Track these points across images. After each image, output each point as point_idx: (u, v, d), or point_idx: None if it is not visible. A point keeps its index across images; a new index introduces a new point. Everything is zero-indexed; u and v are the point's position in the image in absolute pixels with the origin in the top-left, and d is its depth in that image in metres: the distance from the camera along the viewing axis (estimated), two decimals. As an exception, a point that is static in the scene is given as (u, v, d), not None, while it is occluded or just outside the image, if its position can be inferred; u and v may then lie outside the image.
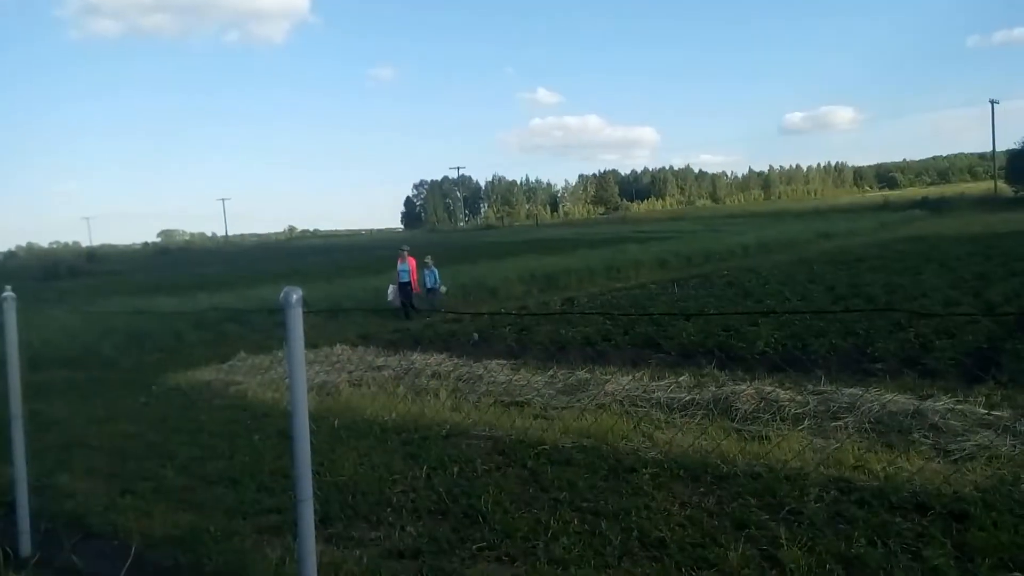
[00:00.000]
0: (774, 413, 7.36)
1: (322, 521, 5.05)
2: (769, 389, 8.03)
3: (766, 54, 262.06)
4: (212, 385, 10.88)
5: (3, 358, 5.27)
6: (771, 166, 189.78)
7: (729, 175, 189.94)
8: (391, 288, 18.47)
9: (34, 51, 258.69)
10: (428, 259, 19.25)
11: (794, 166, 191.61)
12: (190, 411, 9.30)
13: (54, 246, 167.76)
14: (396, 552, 4.79)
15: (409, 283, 18.28)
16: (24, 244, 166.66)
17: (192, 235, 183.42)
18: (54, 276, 45.60)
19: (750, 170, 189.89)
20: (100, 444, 7.94)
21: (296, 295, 3.37)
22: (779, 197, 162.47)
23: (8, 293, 5.42)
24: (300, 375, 3.34)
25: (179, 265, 52.76)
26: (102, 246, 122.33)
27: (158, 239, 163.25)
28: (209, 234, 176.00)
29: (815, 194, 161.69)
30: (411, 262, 18.50)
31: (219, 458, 7.08)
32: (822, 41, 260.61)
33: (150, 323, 15.73)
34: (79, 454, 7.58)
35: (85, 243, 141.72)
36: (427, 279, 18.94)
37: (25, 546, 5.15)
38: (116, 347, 14.53)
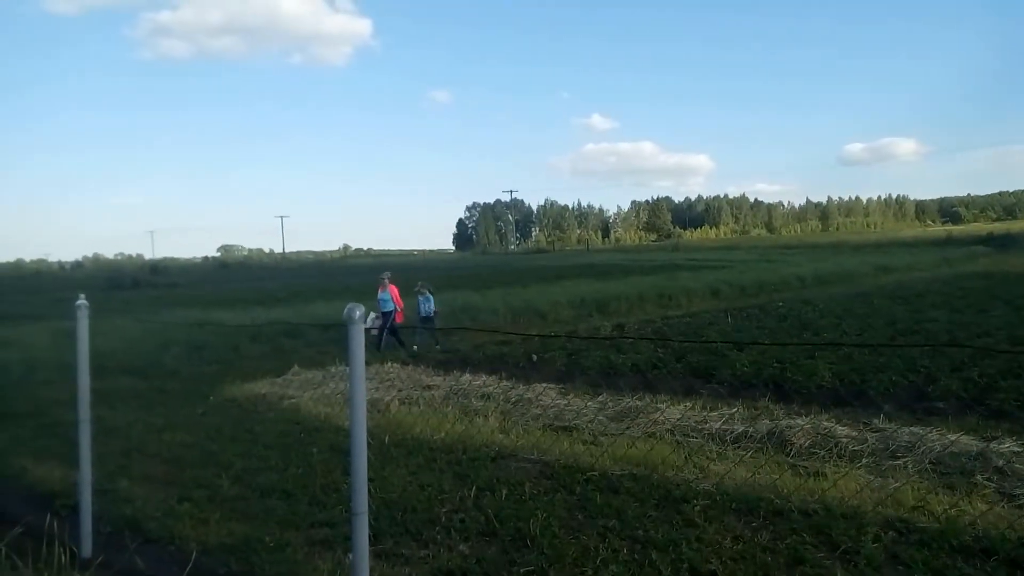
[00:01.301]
0: (831, 449, 7.19)
1: (372, 537, 5.10)
2: (826, 424, 7.86)
3: (826, 83, 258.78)
4: (266, 398, 11.10)
5: (74, 364, 5.49)
6: (829, 197, 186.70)
7: (786, 205, 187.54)
8: (371, 316, 16.17)
9: (106, 70, 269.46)
10: (421, 285, 17.24)
11: (853, 198, 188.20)
12: (245, 423, 9.50)
13: (119, 257, 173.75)
14: (445, 571, 4.81)
15: (392, 313, 16.34)
16: (91, 255, 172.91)
17: (251, 251, 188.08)
18: (118, 287, 47.13)
19: (808, 201, 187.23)
20: (159, 451, 8.17)
21: (359, 311, 3.46)
22: (837, 229, 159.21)
23: (82, 301, 5.66)
24: (360, 389, 3.42)
25: (237, 280, 54.06)
26: (164, 259, 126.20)
27: (218, 254, 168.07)
28: (267, 250, 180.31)
29: (875, 227, 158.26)
30: (393, 290, 16.59)
31: (272, 470, 7.22)
32: (884, 71, 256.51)
33: (209, 335, 16.16)
34: (139, 460, 7.81)
35: (148, 256, 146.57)
36: (421, 307, 16.95)
37: (87, 548, 5.32)
38: (176, 358, 14.95)
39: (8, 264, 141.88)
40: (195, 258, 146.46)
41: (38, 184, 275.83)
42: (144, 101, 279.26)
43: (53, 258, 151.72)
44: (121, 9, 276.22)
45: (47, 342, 15.74)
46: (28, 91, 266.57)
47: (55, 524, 4.70)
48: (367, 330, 16.53)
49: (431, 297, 17.06)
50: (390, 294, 16.43)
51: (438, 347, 16.03)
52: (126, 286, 48.04)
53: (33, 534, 4.77)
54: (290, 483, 6.74)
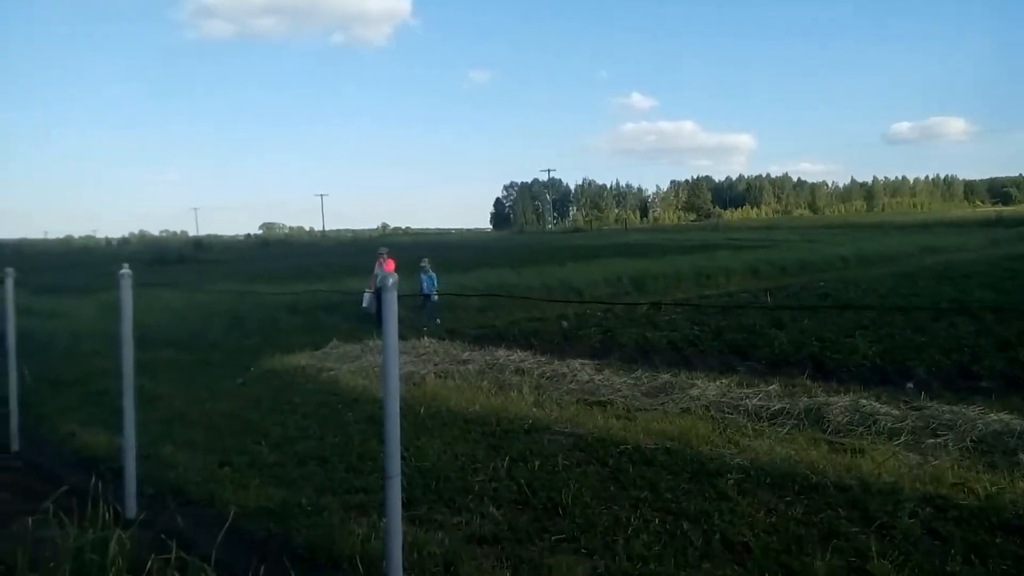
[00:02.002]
0: (869, 426, 7.09)
1: (406, 503, 5.18)
2: (865, 402, 7.75)
3: (873, 61, 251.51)
4: (305, 370, 11.28)
5: (119, 334, 5.64)
6: (875, 177, 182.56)
7: (830, 185, 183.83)
8: (366, 295, 16.28)
9: (151, 51, 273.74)
10: (425, 262, 16.79)
11: (900, 178, 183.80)
12: (284, 393, 9.68)
13: (164, 234, 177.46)
14: (477, 537, 4.88)
15: None
16: (136, 231, 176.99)
17: (291, 229, 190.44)
18: (163, 262, 48.12)
19: (852, 180, 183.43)
20: (200, 420, 8.37)
21: (392, 279, 3.50)
22: (882, 209, 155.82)
23: (125, 271, 5.80)
24: (393, 355, 3.46)
25: (279, 257, 54.84)
26: (208, 236, 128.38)
27: (260, 231, 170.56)
28: (307, 228, 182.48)
29: (921, 207, 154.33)
30: (390, 265, 15.99)
31: (310, 438, 7.36)
32: (933, 49, 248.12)
33: (250, 309, 16.45)
34: (181, 428, 8.01)
35: (192, 232, 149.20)
36: (424, 284, 16.47)
37: (131, 509, 5.49)
38: (218, 331, 15.24)
39: (58, 240, 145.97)
40: (238, 235, 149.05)
41: (86, 163, 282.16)
42: (188, 81, 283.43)
43: (100, 234, 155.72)
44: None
45: (94, 314, 16.18)
46: (76, 71, 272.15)
47: (100, 486, 4.84)
48: (365, 309, 15.43)
49: (433, 276, 16.76)
50: (386, 270, 15.27)
51: (438, 322, 16.00)
52: (171, 261, 49.02)
53: (79, 495, 4.93)
54: (327, 451, 6.87)
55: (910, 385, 9.07)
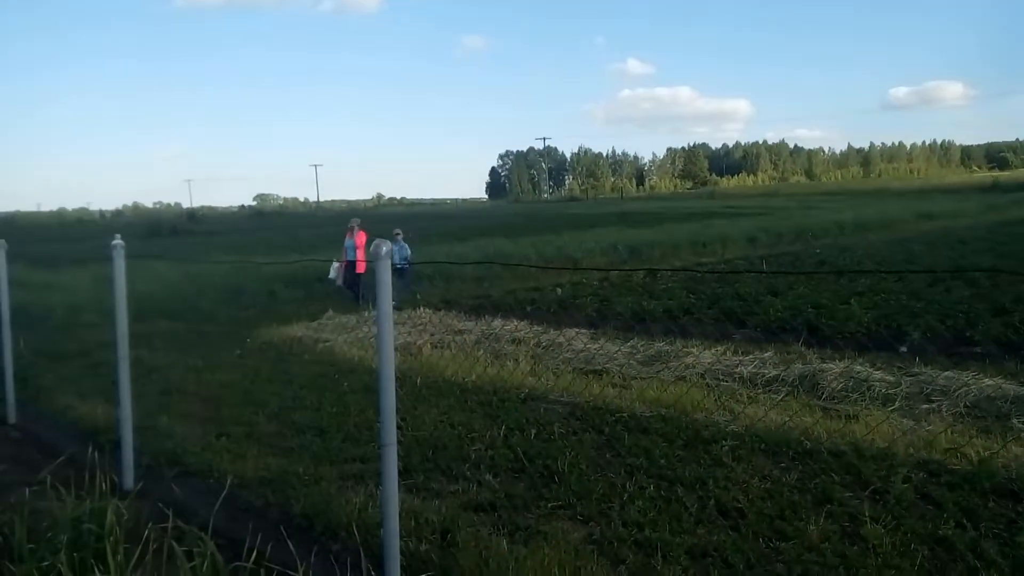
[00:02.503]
0: (863, 393, 7.14)
1: (403, 472, 5.21)
2: (859, 368, 7.78)
3: (870, 24, 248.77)
4: (302, 341, 11.29)
5: (112, 305, 5.62)
6: (872, 143, 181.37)
7: (826, 151, 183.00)
8: (334, 266, 15.61)
9: (139, 18, 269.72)
10: (398, 232, 15.65)
11: (896, 143, 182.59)
12: (281, 364, 9.70)
13: (157, 206, 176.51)
14: (473, 505, 4.91)
15: (355, 262, 15.06)
16: (130, 204, 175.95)
17: (286, 200, 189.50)
18: (157, 234, 47.97)
19: (849, 146, 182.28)
20: (197, 391, 8.38)
21: (385, 247, 3.47)
22: (879, 175, 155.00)
23: (118, 241, 5.76)
24: (387, 324, 3.45)
25: (273, 228, 54.64)
26: (202, 208, 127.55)
27: (254, 203, 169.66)
28: (302, 199, 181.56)
29: (918, 173, 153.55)
30: (361, 237, 15.44)
31: (307, 408, 7.38)
32: (930, 11, 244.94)
33: (245, 280, 16.42)
34: (178, 399, 8.02)
35: (186, 204, 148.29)
36: (396, 255, 14.44)
37: (128, 480, 5.51)
38: (213, 302, 15.24)
39: (51, 213, 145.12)
40: (231, 207, 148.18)
41: (77, 135, 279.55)
42: (178, 51, 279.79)
43: (94, 207, 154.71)
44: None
45: (89, 286, 16.15)
46: (67, 42, 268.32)
47: (97, 457, 4.85)
48: (332, 280, 15.13)
49: (406, 245, 16.07)
50: (357, 242, 15.37)
51: (416, 296, 15.37)
52: (165, 234, 48.87)
53: (76, 466, 4.94)
54: (325, 421, 6.89)
55: (903, 349, 9.11)
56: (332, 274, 15.73)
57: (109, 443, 6.04)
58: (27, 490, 4.60)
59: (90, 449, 5.18)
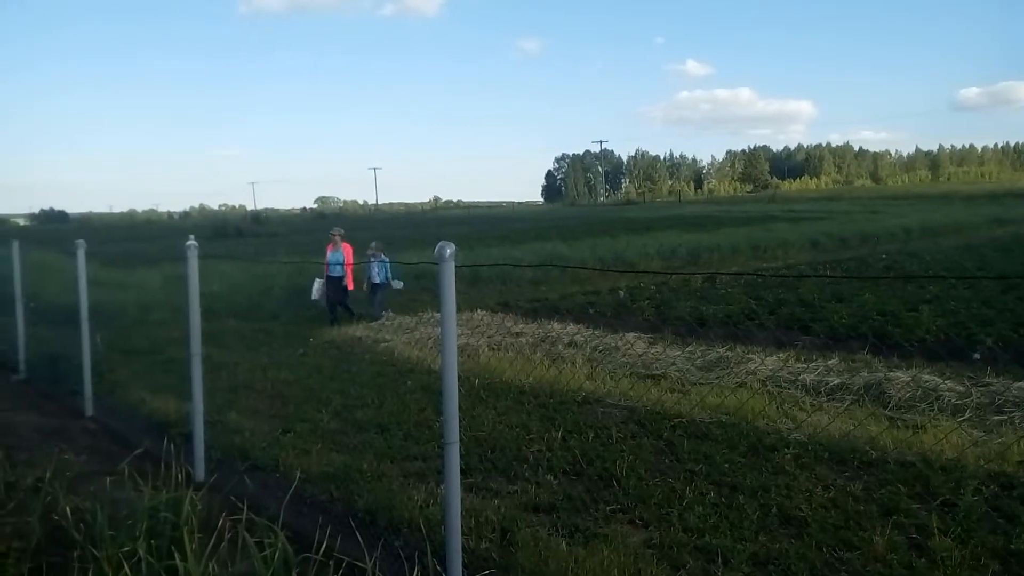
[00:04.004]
0: (931, 403, 6.94)
1: (463, 471, 5.26)
2: (927, 378, 7.57)
3: (941, 23, 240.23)
4: (362, 341, 11.51)
5: (185, 303, 5.85)
6: (941, 145, 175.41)
7: (893, 154, 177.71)
8: (316, 283, 14.03)
9: (207, 27, 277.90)
10: (374, 245, 14.41)
11: (967, 146, 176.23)
12: (343, 363, 9.91)
13: (223, 208, 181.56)
14: (532, 505, 4.96)
15: (342, 278, 13.66)
16: (197, 206, 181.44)
17: (345, 202, 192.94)
18: (223, 235, 49.34)
19: (917, 149, 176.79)
20: (263, 388, 8.63)
21: (450, 249, 3.55)
22: (948, 179, 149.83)
23: (192, 242, 5.99)
24: (451, 324, 3.52)
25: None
26: (265, 210, 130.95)
27: (315, 205, 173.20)
28: (361, 202, 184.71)
29: (990, 177, 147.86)
30: (346, 250, 14.02)
31: (368, 407, 7.54)
32: (1003, 9, 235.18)
33: (308, 280, 16.77)
34: (245, 395, 8.28)
35: (250, 206, 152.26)
36: (374, 272, 14.03)
37: (200, 472, 5.71)
38: (277, 301, 15.63)
39: (122, 214, 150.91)
40: (294, 209, 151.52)
41: (147, 139, 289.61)
42: (242, 57, 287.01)
43: (162, 208, 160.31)
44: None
45: (160, 285, 16.74)
46: (131, 48, 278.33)
47: (171, 449, 5.04)
48: (315, 302, 14.02)
49: (386, 261, 14.29)
50: (343, 255, 13.86)
51: (387, 313, 13.71)
52: (230, 235, 50.21)
53: (151, 458, 5.15)
54: (385, 419, 7.03)
55: (976, 356, 8.83)
56: (315, 294, 14.01)
57: (180, 436, 6.27)
58: (108, 480, 4.81)
59: (164, 442, 5.39)
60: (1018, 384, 7.24)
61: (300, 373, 9.35)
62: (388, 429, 6.71)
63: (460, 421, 6.32)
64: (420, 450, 6.11)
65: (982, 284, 13.05)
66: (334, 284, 13.69)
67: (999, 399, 6.87)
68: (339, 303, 13.80)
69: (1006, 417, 6.48)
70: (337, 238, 14.04)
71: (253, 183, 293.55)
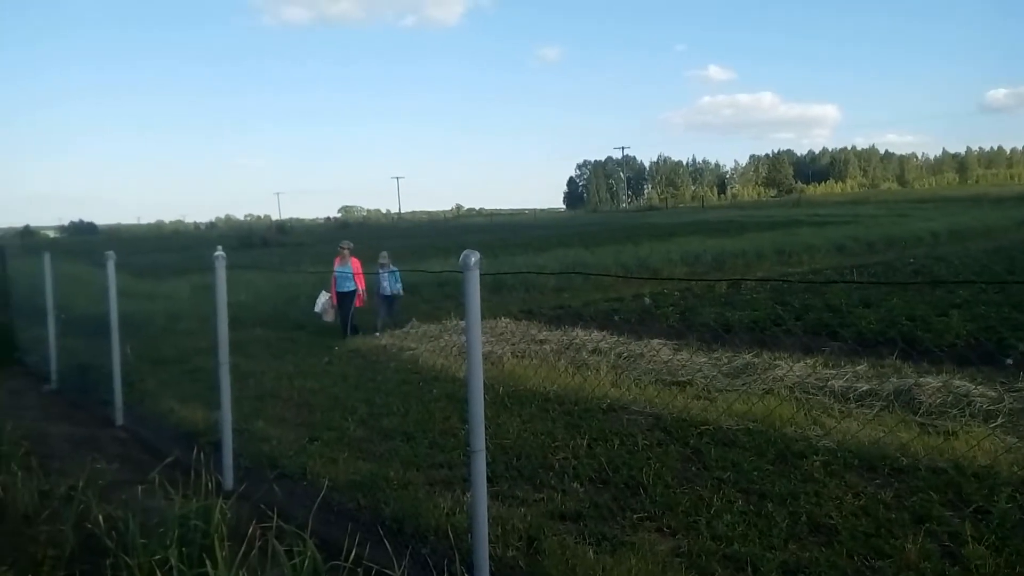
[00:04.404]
0: (963, 408, 6.84)
1: (489, 479, 5.25)
2: (958, 383, 7.45)
3: (967, 23, 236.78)
4: (387, 349, 11.57)
5: (212, 312, 5.92)
6: (968, 148, 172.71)
7: (919, 157, 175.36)
8: (322, 297, 13.60)
9: (232, 38, 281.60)
10: (385, 256, 13.95)
11: (995, 148, 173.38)
12: (368, 372, 9.96)
13: (248, 218, 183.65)
14: (558, 513, 4.95)
15: (353, 293, 13.20)
16: (223, 216, 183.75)
17: (369, 211, 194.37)
18: (249, 245, 49.88)
19: (944, 151, 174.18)
20: (290, 396, 8.70)
21: (474, 258, 3.57)
22: (977, 182, 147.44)
23: (220, 253, 6.08)
24: (476, 332, 3.54)
25: (357, 239, 56.10)
26: (290, 219, 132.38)
27: (339, 214, 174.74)
28: (384, 211, 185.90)
29: (1019, 179, 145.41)
30: (355, 264, 13.42)
31: (394, 415, 7.57)
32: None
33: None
34: (272, 404, 8.35)
35: (275, 216, 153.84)
36: (385, 284, 13.61)
37: (228, 480, 5.77)
38: (303, 311, 15.74)
39: (150, 224, 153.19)
40: (318, 219, 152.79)
41: (174, 150, 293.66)
42: (267, 68, 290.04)
43: (189, 219, 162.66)
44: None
45: (187, 295, 16.95)
46: (157, 60, 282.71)
47: (200, 458, 5.10)
48: (318, 315, 13.43)
49: (396, 271, 13.86)
50: (351, 268, 13.28)
51: (380, 331, 13.12)
52: (256, 245, 50.75)
53: (181, 467, 5.21)
54: (411, 427, 7.06)
55: (1009, 361, 8.69)
56: (318, 308, 13.52)
57: (209, 445, 6.34)
58: (138, 488, 4.88)
59: (193, 450, 5.46)
60: (1052, 389, 7.11)
61: (326, 382, 9.42)
62: (414, 437, 6.73)
63: (486, 429, 6.35)
64: (446, 458, 6.12)
65: (1012, 288, 12.83)
66: (343, 300, 13.30)
67: (1033, 405, 6.75)
68: (346, 317, 13.21)
69: (1041, 423, 6.36)
70: (346, 251, 13.51)
71: (278, 193, 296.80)
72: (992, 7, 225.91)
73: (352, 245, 13.87)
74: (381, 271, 13.60)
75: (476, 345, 3.56)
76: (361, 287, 13.29)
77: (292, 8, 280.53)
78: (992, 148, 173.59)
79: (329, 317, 13.39)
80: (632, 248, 26.42)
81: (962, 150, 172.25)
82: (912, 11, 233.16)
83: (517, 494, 5.32)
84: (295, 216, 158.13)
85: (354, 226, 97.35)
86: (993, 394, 7.11)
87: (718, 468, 5.64)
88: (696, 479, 5.46)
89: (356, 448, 6.53)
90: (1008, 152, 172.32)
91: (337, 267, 13.34)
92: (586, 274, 16.14)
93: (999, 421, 6.47)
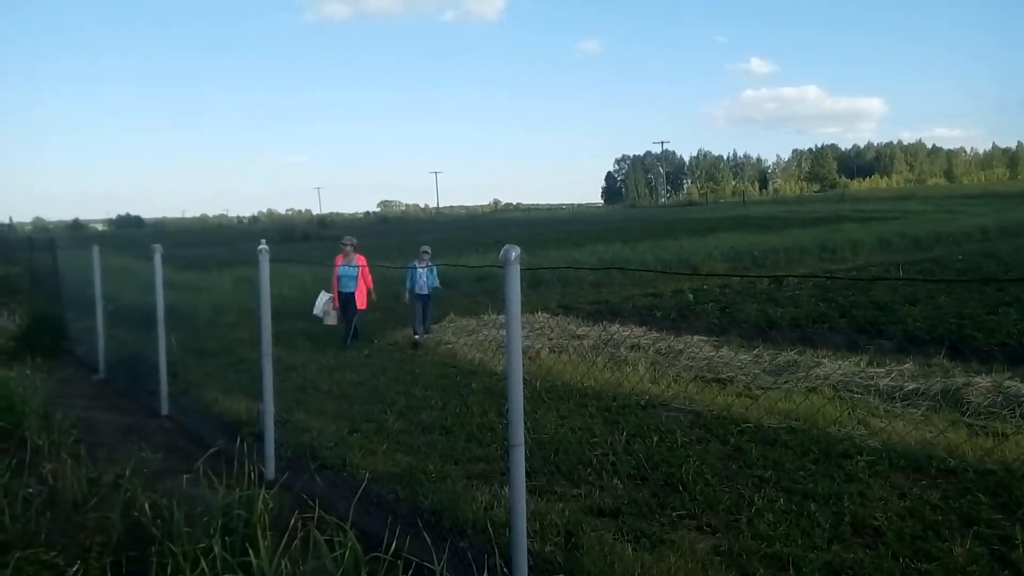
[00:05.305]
0: (1013, 409, 6.64)
1: (527, 474, 5.26)
2: (1008, 383, 7.24)
3: (1016, 14, 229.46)
4: (425, 343, 11.63)
5: (256, 305, 6.01)
6: (1019, 142, 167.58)
7: (968, 151, 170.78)
8: (322, 298, 12.38)
9: (275, 34, 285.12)
10: (426, 250, 12.52)
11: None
12: (406, 365, 10.04)
13: (290, 213, 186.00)
14: (596, 510, 4.93)
15: (354, 294, 11.96)
16: (265, 210, 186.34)
17: (408, 206, 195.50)
18: (290, 239, 50.60)
19: (994, 146, 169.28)
20: (330, 389, 8.81)
21: (515, 253, 3.56)
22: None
23: (263, 247, 6.16)
24: (516, 327, 3.54)
25: (396, 233, 56.50)
26: (330, 214, 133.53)
27: (378, 209, 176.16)
28: (422, 205, 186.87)
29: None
30: (360, 260, 12.13)
31: (432, 408, 7.62)
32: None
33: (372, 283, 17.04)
34: (313, 396, 8.47)
35: (316, 211, 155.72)
36: (422, 281, 12.14)
37: (270, 470, 5.87)
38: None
39: (194, 219, 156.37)
40: (357, 213, 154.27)
41: (218, 144, 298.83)
42: (308, 64, 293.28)
43: (232, 213, 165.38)
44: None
45: (231, 288, 17.24)
46: (206, 59, 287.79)
47: (243, 448, 5.19)
48: (319, 318, 12.11)
49: (434, 268, 12.61)
50: (356, 267, 11.90)
51: (422, 336, 11.89)
52: (297, 239, 51.43)
53: (224, 456, 5.31)
54: (449, 420, 7.09)
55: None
56: (317, 309, 12.38)
57: (251, 435, 6.44)
58: (184, 477, 4.98)
59: (236, 440, 5.55)
60: (1110, 391, 6.87)
61: (365, 375, 9.51)
62: (452, 431, 6.77)
63: (524, 424, 6.35)
64: (483, 452, 6.14)
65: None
66: (346, 300, 12.05)
67: (1089, 407, 6.53)
68: (349, 322, 12.09)
69: (1097, 426, 6.16)
70: (349, 248, 12.33)
71: (319, 188, 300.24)
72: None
73: (355, 241, 12.73)
74: (419, 266, 12.32)
75: (516, 340, 3.56)
76: (368, 285, 12.22)
77: (333, 4, 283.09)
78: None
79: (331, 320, 12.24)
80: (671, 243, 26.18)
81: (1013, 144, 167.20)
82: (960, 3, 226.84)
83: (555, 489, 5.31)
84: (335, 211, 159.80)
85: (393, 220, 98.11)
86: (1047, 395, 6.89)
87: (760, 467, 5.56)
88: (737, 477, 5.40)
89: (395, 440, 6.58)
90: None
91: (340, 265, 12.04)
92: (623, 268, 15.98)
93: (1053, 423, 6.27)
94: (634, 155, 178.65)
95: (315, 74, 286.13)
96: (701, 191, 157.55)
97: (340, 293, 12.15)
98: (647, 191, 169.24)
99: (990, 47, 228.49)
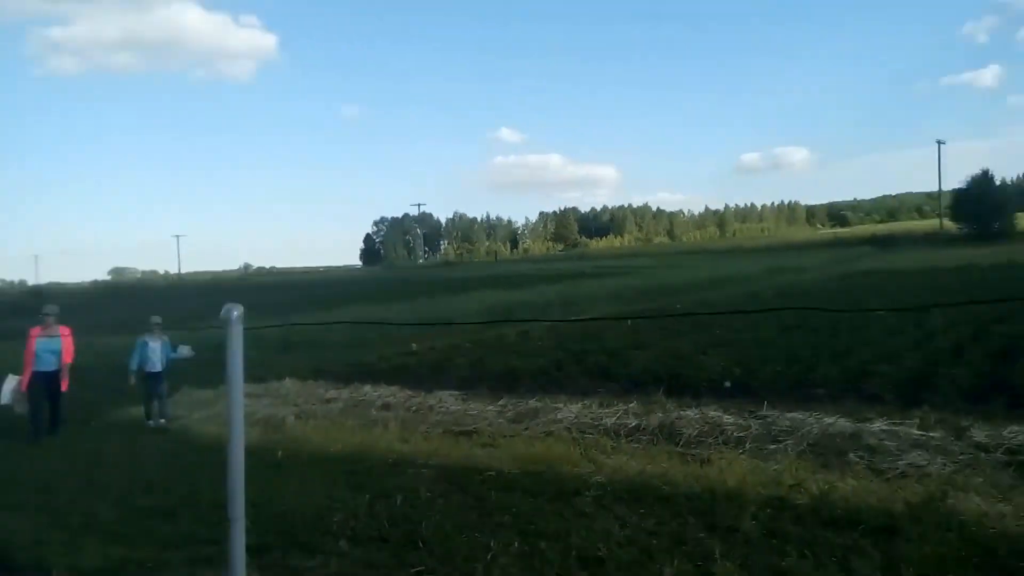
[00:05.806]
0: (717, 437, 7.46)
1: (258, 549, 4.94)
2: (713, 414, 8.14)
3: (725, 96, 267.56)
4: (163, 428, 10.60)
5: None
6: (727, 205, 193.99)
7: (686, 213, 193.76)
8: (8, 383, 10.15)
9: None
10: (157, 322, 11.19)
11: (749, 204, 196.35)
12: (128, 447, 9.07)
13: (1, 284, 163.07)
14: (331, 579, 4.71)
15: (57, 372, 10.09)
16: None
17: (144, 272, 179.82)
18: (-2, 315, 44.20)
19: (707, 208, 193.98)
20: (30, 480, 7.69)
21: (237, 311, 3.35)
22: (734, 235, 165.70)
23: None
24: (238, 392, 3.32)
25: (128, 304, 51.59)
26: (49, 284, 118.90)
27: (108, 277, 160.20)
28: (162, 272, 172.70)
29: (768, 232, 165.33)
30: (64, 332, 10.36)
31: (154, 492, 6.90)
32: (777, 83, 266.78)
33: (89, 359, 15.29)
34: (8, 489, 7.32)
35: (32, 281, 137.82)
36: (155, 357, 10.85)
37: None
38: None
39: None
40: (83, 282, 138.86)
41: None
42: (34, 119, 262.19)
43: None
44: (9, 25, 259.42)
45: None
46: None
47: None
48: (7, 407, 9.88)
49: (168, 341, 11.25)
50: (59, 342, 10.21)
51: (157, 422, 10.53)
52: (5, 314, 45.04)
53: None
54: (174, 503, 6.46)
55: (727, 384, 10.03)
56: (5, 397, 10.09)
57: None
58: None
59: None
60: (790, 415, 7.96)
61: (76, 461, 8.43)
62: (176, 514, 6.16)
63: (258, 496, 5.95)
64: (212, 533, 5.63)
65: (759, 326, 14.39)
66: (46, 381, 10.03)
67: (774, 429, 7.51)
68: (52, 406, 10.14)
69: (780, 445, 7.08)
70: (51, 319, 10.30)
71: (36, 256, 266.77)
72: (744, 81, 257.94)
73: (57, 310, 10.74)
74: (150, 341, 10.90)
75: (238, 405, 3.34)
76: (68, 360, 10.25)
77: (64, 58, 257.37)
78: (747, 205, 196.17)
79: (21, 408, 10.06)
80: (428, 301, 26.61)
81: (722, 207, 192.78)
82: (676, 84, 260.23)
83: (289, 563, 5.01)
84: (56, 280, 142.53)
85: (125, 289, 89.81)
86: (742, 422, 7.82)
87: (498, 512, 5.68)
88: (477, 526, 5.45)
89: (106, 531, 5.85)
90: (759, 208, 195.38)
91: (38, 340, 10.08)
92: (351, 323, 15.84)
93: (747, 446, 7.12)
94: (392, 217, 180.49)
95: (42, 131, 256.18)
96: (457, 252, 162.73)
97: (38, 373, 10.02)
98: (405, 252, 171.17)
99: (702, 122, 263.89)
